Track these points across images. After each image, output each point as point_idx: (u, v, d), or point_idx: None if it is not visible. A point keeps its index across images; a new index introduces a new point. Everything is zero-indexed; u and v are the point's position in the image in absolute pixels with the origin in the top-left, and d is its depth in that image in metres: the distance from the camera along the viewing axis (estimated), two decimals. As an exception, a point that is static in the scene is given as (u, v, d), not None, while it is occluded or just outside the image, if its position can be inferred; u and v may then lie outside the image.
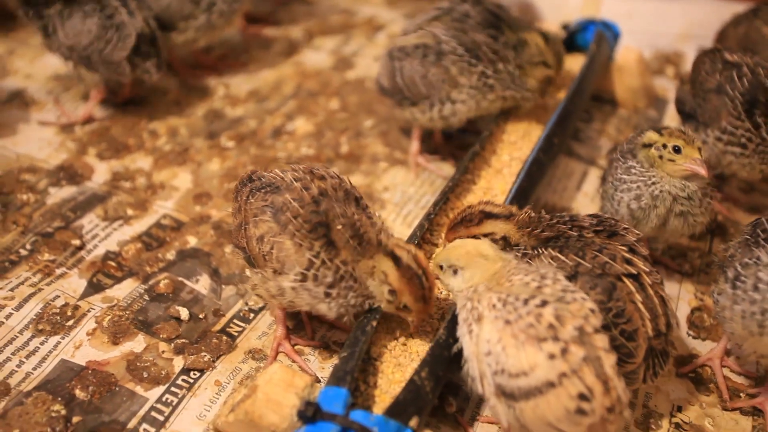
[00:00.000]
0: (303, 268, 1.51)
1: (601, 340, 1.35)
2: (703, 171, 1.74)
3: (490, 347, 1.34)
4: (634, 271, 1.52)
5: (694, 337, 1.89)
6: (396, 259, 1.51)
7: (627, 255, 1.54)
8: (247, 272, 1.66)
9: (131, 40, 2.31)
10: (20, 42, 2.85)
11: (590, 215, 1.64)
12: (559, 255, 1.54)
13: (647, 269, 1.55)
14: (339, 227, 1.53)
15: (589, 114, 2.64)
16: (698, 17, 2.92)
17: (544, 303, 1.35)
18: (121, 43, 2.31)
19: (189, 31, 2.60)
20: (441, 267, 1.53)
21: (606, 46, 2.60)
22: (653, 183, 1.80)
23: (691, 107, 2.09)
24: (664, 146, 1.78)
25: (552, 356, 1.30)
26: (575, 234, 1.58)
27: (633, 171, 1.82)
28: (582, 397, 1.29)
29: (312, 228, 1.52)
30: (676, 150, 1.76)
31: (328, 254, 1.51)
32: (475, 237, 1.64)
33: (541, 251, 1.58)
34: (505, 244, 1.66)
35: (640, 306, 1.50)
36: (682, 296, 1.99)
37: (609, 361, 1.34)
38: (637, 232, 1.61)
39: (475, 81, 2.13)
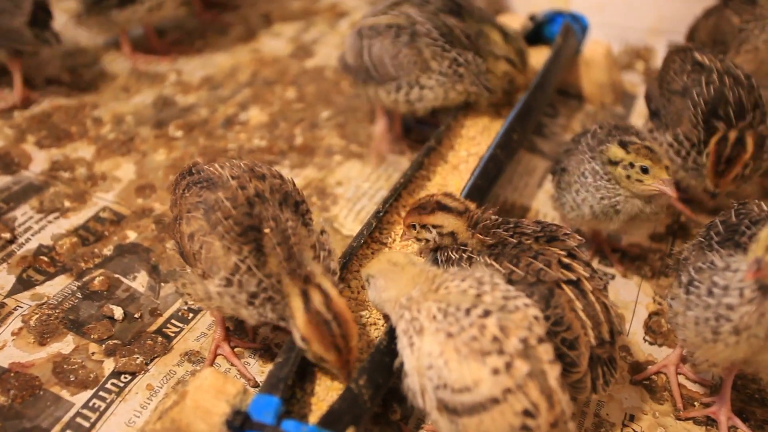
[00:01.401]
0: (228, 273, 1.45)
1: (546, 352, 1.32)
2: (671, 192, 1.72)
3: (432, 361, 1.30)
4: (573, 277, 1.48)
5: (650, 343, 1.86)
6: (306, 301, 1.41)
7: (566, 260, 1.50)
8: (179, 270, 1.60)
9: (28, 3, 2.23)
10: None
11: (536, 222, 1.60)
12: (494, 263, 1.50)
13: (588, 275, 1.50)
14: (267, 230, 1.46)
15: (554, 109, 2.61)
16: (670, 12, 2.90)
17: (486, 313, 1.31)
18: (19, 9, 2.22)
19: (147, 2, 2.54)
20: (367, 282, 1.50)
21: (573, 39, 2.57)
22: (617, 197, 1.79)
23: (657, 105, 2.06)
24: (632, 165, 1.74)
25: (496, 371, 1.26)
26: (515, 241, 1.54)
27: (599, 178, 1.80)
28: (527, 413, 1.26)
29: (242, 231, 1.45)
30: (644, 170, 1.73)
31: (255, 260, 1.44)
32: (424, 226, 1.62)
33: (479, 258, 1.54)
34: (453, 240, 1.62)
35: (581, 313, 1.46)
36: (640, 300, 1.96)
37: (553, 373, 1.31)
38: (580, 238, 1.57)
39: (446, 67, 2.09)
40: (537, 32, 2.62)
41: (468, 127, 2.21)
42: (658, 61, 2.87)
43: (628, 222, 1.84)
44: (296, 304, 1.41)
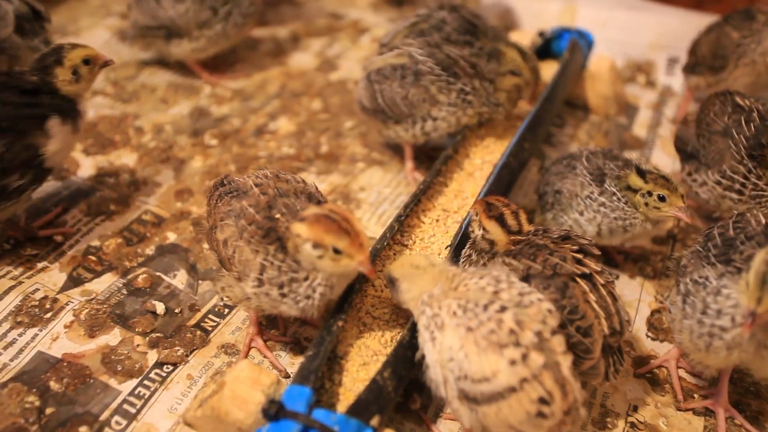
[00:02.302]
0: (257, 273, 1.47)
1: (559, 343, 1.33)
2: (687, 218, 1.75)
3: (453, 354, 1.31)
4: (586, 271, 1.50)
5: (652, 339, 1.86)
6: (303, 218, 1.42)
7: (578, 256, 1.52)
8: (219, 274, 1.62)
9: (10, 16, 2.22)
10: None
11: (559, 228, 1.62)
12: (512, 261, 1.51)
13: (599, 269, 1.53)
14: (278, 216, 1.48)
15: (561, 119, 2.61)
16: (669, 28, 2.89)
17: (503, 308, 1.32)
18: (3, 21, 2.21)
19: (201, 39, 2.55)
20: (390, 283, 1.50)
21: (579, 54, 2.57)
22: (634, 219, 1.81)
23: (694, 147, 2.00)
24: (650, 194, 1.77)
25: (513, 362, 1.27)
26: (539, 242, 1.55)
27: (616, 200, 1.82)
28: (542, 401, 1.27)
29: (265, 233, 1.47)
30: (661, 199, 1.76)
31: (280, 255, 1.46)
32: (480, 223, 1.61)
33: (496, 258, 1.56)
34: (490, 247, 1.61)
35: (594, 304, 1.47)
36: (643, 298, 1.96)
37: (566, 363, 1.32)
38: (587, 238, 1.59)
39: (454, 98, 2.08)
40: (546, 47, 2.62)
41: (482, 136, 2.21)
42: (658, 74, 2.87)
43: (626, 238, 1.87)
44: (297, 227, 1.42)
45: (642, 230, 1.84)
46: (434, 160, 2.32)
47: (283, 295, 1.48)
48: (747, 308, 1.33)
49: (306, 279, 1.46)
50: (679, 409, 1.69)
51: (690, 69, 2.53)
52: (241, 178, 1.61)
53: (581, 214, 1.86)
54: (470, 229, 1.66)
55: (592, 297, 1.47)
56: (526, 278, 1.47)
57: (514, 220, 1.60)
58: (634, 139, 2.57)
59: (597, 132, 2.58)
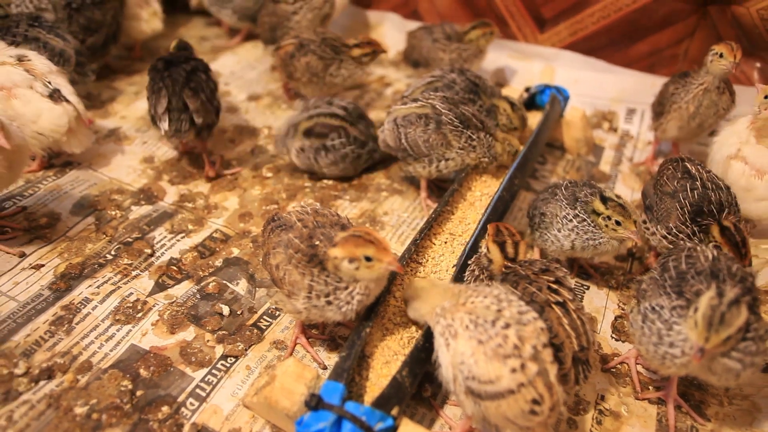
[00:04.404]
0: (306, 292, 1.41)
1: (548, 354, 1.27)
2: (636, 239, 1.69)
3: (464, 359, 1.26)
4: (560, 299, 1.42)
5: (616, 340, 1.78)
6: (335, 243, 1.38)
7: (554, 286, 1.44)
8: (273, 291, 1.57)
9: (72, 52, 2.32)
10: (119, 91, 2.76)
11: (540, 260, 1.53)
12: (499, 285, 1.44)
13: (571, 297, 1.44)
14: (317, 242, 1.42)
15: (543, 158, 2.53)
16: (628, 86, 2.80)
17: (507, 325, 1.26)
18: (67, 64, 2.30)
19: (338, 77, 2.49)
20: (405, 302, 1.44)
21: (558, 105, 2.49)
22: (601, 239, 1.74)
23: (651, 201, 1.90)
24: (609, 218, 1.70)
25: (514, 370, 1.22)
26: (522, 272, 1.47)
27: (586, 224, 1.74)
28: (535, 401, 1.22)
29: (309, 259, 1.42)
30: (618, 223, 1.69)
31: (322, 275, 1.41)
32: (486, 244, 1.56)
33: (493, 282, 1.49)
34: (488, 264, 1.55)
35: (566, 326, 1.40)
36: (608, 306, 1.88)
37: (553, 370, 1.26)
38: (565, 270, 1.50)
39: (463, 143, 2.01)
40: (531, 100, 2.54)
41: (481, 173, 2.13)
42: (619, 122, 2.78)
43: (596, 253, 1.79)
44: (332, 251, 1.37)
45: (610, 247, 1.76)
46: (442, 190, 2.27)
47: (329, 303, 1.42)
48: (696, 344, 1.28)
49: (346, 288, 1.41)
50: (637, 398, 1.61)
51: (651, 118, 2.45)
52: (287, 215, 1.56)
53: (559, 231, 1.78)
54: (480, 245, 1.60)
55: (564, 321, 1.39)
56: None
57: (513, 248, 1.53)
58: (601, 173, 2.48)
59: (571, 168, 2.50)
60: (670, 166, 1.91)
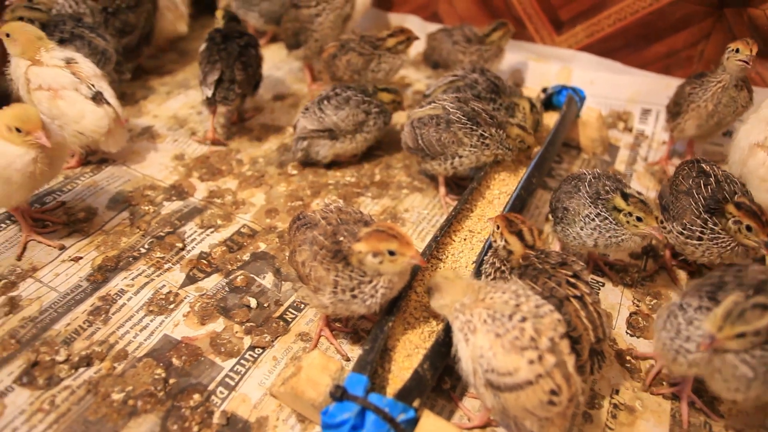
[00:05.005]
0: (332, 288, 1.41)
1: (566, 346, 1.26)
2: (658, 235, 1.64)
3: (483, 352, 1.25)
4: (578, 293, 1.40)
5: (631, 335, 1.76)
6: (359, 238, 1.38)
7: (572, 280, 1.42)
8: (298, 287, 1.57)
9: (114, 54, 2.37)
10: (152, 90, 2.78)
11: (556, 252, 1.51)
12: (518, 280, 1.43)
13: (588, 291, 1.43)
14: (341, 238, 1.42)
15: (560, 157, 2.49)
16: (643, 87, 2.75)
17: (524, 319, 1.25)
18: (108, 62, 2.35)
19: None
20: (428, 293, 1.43)
21: (574, 106, 2.45)
22: (624, 235, 1.69)
23: (667, 202, 1.86)
24: (630, 214, 1.65)
25: (532, 362, 1.21)
26: (539, 266, 1.46)
27: (608, 222, 1.69)
28: (553, 392, 1.21)
29: (333, 255, 1.41)
30: (639, 219, 1.64)
31: (346, 270, 1.40)
32: (501, 234, 1.51)
33: (511, 276, 1.47)
34: (507, 255, 1.52)
35: (584, 319, 1.39)
36: (623, 303, 1.86)
37: (571, 362, 1.25)
38: (583, 264, 1.49)
39: (476, 141, 2.00)
40: (548, 101, 2.51)
41: (499, 171, 2.12)
42: (634, 121, 2.74)
43: (620, 250, 1.75)
44: (356, 246, 1.37)
45: (633, 243, 1.70)
46: (460, 187, 2.26)
47: (354, 297, 1.42)
48: (708, 331, 1.24)
49: (370, 282, 1.40)
50: (651, 393, 1.59)
51: (666, 119, 2.41)
52: (312, 213, 1.56)
53: (582, 228, 1.74)
54: (492, 239, 1.56)
55: (582, 313, 1.38)
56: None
57: (530, 236, 1.51)
58: (616, 172, 2.44)
59: (587, 167, 2.46)
60: (686, 167, 1.88)
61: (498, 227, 1.53)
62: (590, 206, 1.72)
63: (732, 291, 1.31)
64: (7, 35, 1.98)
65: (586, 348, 1.38)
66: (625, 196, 1.66)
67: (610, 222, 1.69)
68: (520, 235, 1.50)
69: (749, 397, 1.30)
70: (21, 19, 2.21)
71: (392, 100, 2.26)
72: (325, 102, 2.21)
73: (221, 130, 2.53)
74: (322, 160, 2.28)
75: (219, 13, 2.47)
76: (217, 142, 2.43)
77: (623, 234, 1.68)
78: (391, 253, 1.34)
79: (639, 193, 1.67)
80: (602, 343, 1.43)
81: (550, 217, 2.05)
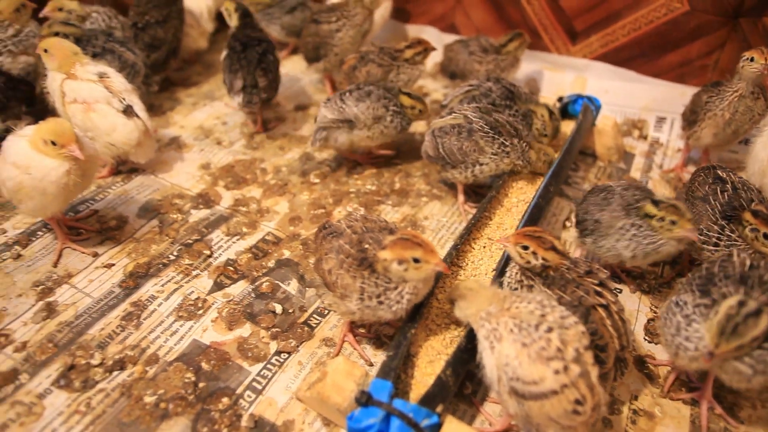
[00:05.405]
0: (359, 294, 1.42)
1: (590, 357, 1.26)
2: (694, 237, 1.61)
3: (509, 361, 1.25)
4: (604, 302, 1.40)
5: (648, 341, 1.74)
6: (384, 246, 1.39)
7: (598, 289, 1.41)
8: (325, 294, 1.57)
9: (142, 68, 2.44)
10: (178, 101, 2.82)
11: (584, 261, 1.50)
12: (546, 290, 1.42)
13: (614, 299, 1.42)
14: (367, 246, 1.43)
15: (576, 165, 2.48)
16: (657, 95, 2.72)
17: (550, 329, 1.25)
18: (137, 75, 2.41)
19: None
20: (451, 302, 1.43)
21: (590, 114, 2.44)
22: (661, 241, 1.65)
23: None
24: (663, 219, 1.62)
25: (557, 372, 1.21)
26: (568, 276, 1.45)
27: (643, 230, 1.66)
28: (577, 402, 1.21)
29: (359, 263, 1.42)
30: (673, 222, 1.61)
31: (372, 277, 1.41)
32: (534, 253, 1.46)
33: (538, 285, 1.46)
34: (544, 270, 1.48)
35: (609, 328, 1.38)
36: (641, 309, 1.84)
37: (595, 372, 1.25)
38: (607, 272, 1.48)
39: (496, 149, 2.00)
40: (563, 110, 2.50)
41: (517, 180, 2.11)
42: (649, 129, 2.71)
43: (659, 257, 1.70)
44: (381, 254, 1.38)
45: (671, 247, 1.65)
46: (478, 195, 2.25)
47: (380, 303, 1.42)
48: (707, 347, 1.26)
49: (396, 288, 1.41)
50: (671, 399, 1.57)
51: (681, 127, 2.38)
52: (337, 222, 1.57)
53: (617, 241, 1.70)
54: (523, 261, 1.49)
55: (608, 322, 1.37)
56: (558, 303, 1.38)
57: (561, 246, 1.49)
58: (632, 180, 2.42)
59: (603, 174, 2.44)
60: (702, 174, 1.87)
61: (527, 248, 1.47)
62: (624, 218, 1.68)
63: (722, 286, 1.34)
64: (45, 51, 2.02)
65: (612, 356, 1.37)
66: (656, 202, 1.64)
67: (645, 229, 1.65)
68: (554, 249, 1.47)
69: (753, 387, 1.34)
70: (57, 34, 2.25)
71: (411, 106, 2.24)
72: (347, 94, 2.21)
73: (245, 140, 2.55)
74: (339, 147, 2.29)
75: (231, 6, 2.52)
76: (262, 131, 2.60)
77: (660, 239, 1.64)
78: (416, 260, 1.35)
79: (668, 198, 1.65)
80: (626, 350, 1.42)
81: (566, 224, 2.04)
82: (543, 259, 1.47)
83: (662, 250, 1.67)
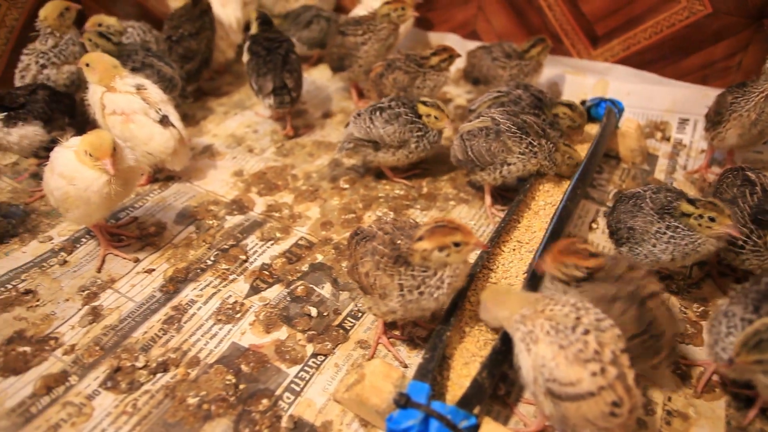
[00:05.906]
0: (398, 291, 1.41)
1: (626, 360, 1.23)
2: (736, 233, 1.55)
3: (545, 362, 1.23)
4: (657, 290, 1.40)
5: (679, 342, 1.69)
6: (420, 238, 1.37)
7: (646, 281, 1.40)
8: (362, 299, 1.57)
9: (179, 82, 2.47)
10: (210, 111, 2.84)
11: (625, 257, 1.49)
12: (596, 287, 1.39)
13: (662, 288, 1.42)
14: (399, 242, 1.42)
15: (600, 167, 2.44)
16: (679, 97, 2.67)
17: (587, 331, 1.22)
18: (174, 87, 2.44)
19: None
20: (483, 306, 1.41)
21: (613, 117, 2.40)
22: (699, 239, 1.60)
23: None
24: (701, 216, 1.57)
25: (594, 374, 1.19)
26: (616, 273, 1.42)
27: (680, 231, 1.61)
28: (615, 404, 1.19)
29: (394, 261, 1.41)
30: (712, 219, 1.56)
31: (408, 271, 1.40)
32: (578, 267, 1.40)
33: (570, 289, 1.43)
34: (586, 275, 1.42)
35: (663, 317, 1.38)
36: (670, 310, 1.80)
37: (631, 375, 1.22)
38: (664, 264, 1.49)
39: (524, 149, 1.98)
40: (587, 113, 2.46)
41: (544, 183, 2.09)
42: (672, 131, 2.66)
43: (699, 257, 1.65)
44: (417, 245, 1.38)
45: (711, 246, 1.59)
46: (505, 198, 2.23)
47: (421, 293, 1.41)
48: (730, 354, 1.28)
49: (435, 274, 1.40)
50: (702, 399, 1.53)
51: (705, 128, 2.33)
52: (368, 227, 1.56)
53: (654, 246, 1.65)
54: (569, 277, 1.41)
55: (662, 310, 1.36)
56: (613, 300, 1.36)
57: (595, 249, 1.45)
58: (656, 181, 2.38)
59: (627, 176, 2.40)
60: (730, 175, 1.82)
61: (568, 265, 1.41)
62: (658, 222, 1.64)
63: None
64: (87, 65, 2.05)
65: (668, 345, 1.37)
66: (692, 201, 1.59)
67: (683, 230, 1.60)
68: (594, 255, 1.43)
69: None
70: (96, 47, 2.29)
71: (427, 114, 2.18)
72: (378, 113, 2.19)
73: (275, 147, 2.56)
74: (365, 160, 2.30)
75: (252, 15, 2.60)
76: (293, 133, 2.63)
77: (699, 239, 1.59)
78: (456, 244, 1.35)
79: (704, 196, 1.61)
80: (676, 337, 1.41)
81: (592, 226, 2.00)
82: (586, 268, 1.42)
83: (702, 249, 1.61)
